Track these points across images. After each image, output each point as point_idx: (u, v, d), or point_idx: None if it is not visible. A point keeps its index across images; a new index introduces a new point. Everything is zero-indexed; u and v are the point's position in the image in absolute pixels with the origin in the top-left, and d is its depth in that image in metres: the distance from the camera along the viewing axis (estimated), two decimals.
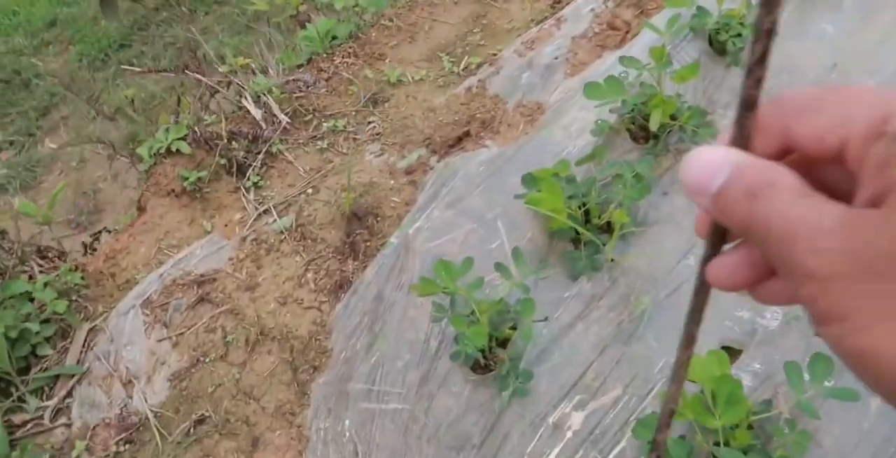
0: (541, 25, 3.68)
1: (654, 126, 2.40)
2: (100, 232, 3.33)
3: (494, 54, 3.65)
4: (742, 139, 0.40)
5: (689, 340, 0.48)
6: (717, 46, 2.87)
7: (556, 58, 3.32)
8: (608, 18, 3.58)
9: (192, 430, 2.19)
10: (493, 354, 2.01)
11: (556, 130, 2.79)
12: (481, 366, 2.04)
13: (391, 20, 4.06)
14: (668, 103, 2.48)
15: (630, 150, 2.63)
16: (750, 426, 1.77)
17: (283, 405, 2.23)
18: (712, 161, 0.39)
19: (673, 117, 2.58)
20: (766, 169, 0.38)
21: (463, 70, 3.67)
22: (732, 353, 2.02)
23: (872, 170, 0.36)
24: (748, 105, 0.39)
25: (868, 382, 0.35)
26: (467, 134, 3.09)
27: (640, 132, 2.70)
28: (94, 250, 3.10)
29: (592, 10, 3.64)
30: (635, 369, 1.98)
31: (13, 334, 2.17)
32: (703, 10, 2.79)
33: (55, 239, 3.04)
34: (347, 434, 2.07)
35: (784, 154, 0.42)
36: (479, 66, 3.62)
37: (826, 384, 1.69)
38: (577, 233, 2.27)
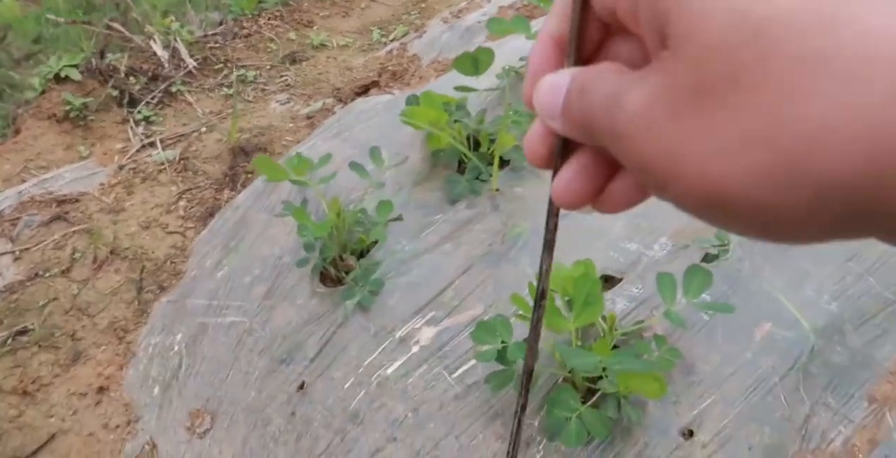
0: None
1: None
2: None
3: (423, 25, 3.49)
4: (577, 53, 0.41)
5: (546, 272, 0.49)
6: None
7: (479, 22, 3.16)
8: None
9: (8, 341, 1.89)
10: (343, 262, 1.76)
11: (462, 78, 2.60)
12: (332, 278, 1.79)
13: None
14: None
15: None
16: (616, 346, 1.53)
17: (118, 321, 1.95)
18: (555, 81, 0.40)
19: None
20: (595, 69, 0.38)
21: (390, 40, 3.50)
22: (612, 282, 1.80)
23: (645, 20, 0.34)
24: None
25: (728, 225, 0.34)
26: (375, 84, 2.90)
27: None
28: None
29: None
30: (501, 291, 1.74)
31: None
32: None
33: None
34: (176, 348, 1.79)
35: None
36: (405, 34, 3.46)
37: (701, 296, 1.47)
38: (462, 162, 2.06)
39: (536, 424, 1.43)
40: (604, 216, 1.93)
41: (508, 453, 0.82)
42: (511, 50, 2.51)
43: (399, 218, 1.81)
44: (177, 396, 1.70)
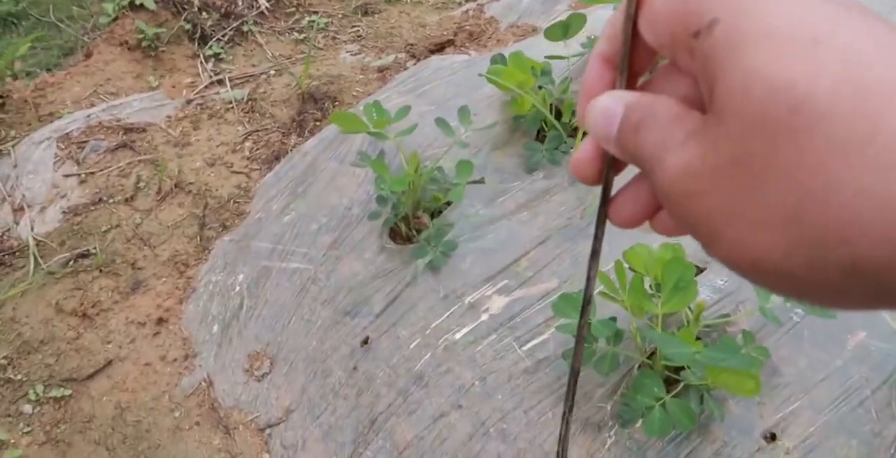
0: None
1: None
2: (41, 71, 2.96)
3: None
4: (629, 75, 0.40)
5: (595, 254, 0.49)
6: None
7: None
8: None
9: (70, 263, 1.84)
10: (417, 221, 1.69)
11: (544, 44, 2.49)
12: (402, 236, 1.72)
13: None
14: None
15: None
16: (699, 338, 1.45)
17: (179, 255, 1.89)
18: (608, 107, 0.39)
19: None
20: (649, 101, 0.37)
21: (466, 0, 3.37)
22: (695, 271, 1.71)
23: (698, 73, 0.34)
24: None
25: (770, 290, 0.34)
26: (451, 43, 2.79)
27: None
28: (15, 75, 2.72)
29: None
30: (577, 267, 1.66)
31: None
32: None
33: None
34: (238, 288, 1.73)
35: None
36: None
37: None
38: (543, 129, 1.97)
39: (609, 408, 1.36)
40: None
41: (558, 454, 0.78)
42: (597, 20, 2.39)
43: (481, 180, 1.73)
44: (236, 336, 1.65)
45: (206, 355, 1.63)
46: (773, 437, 1.28)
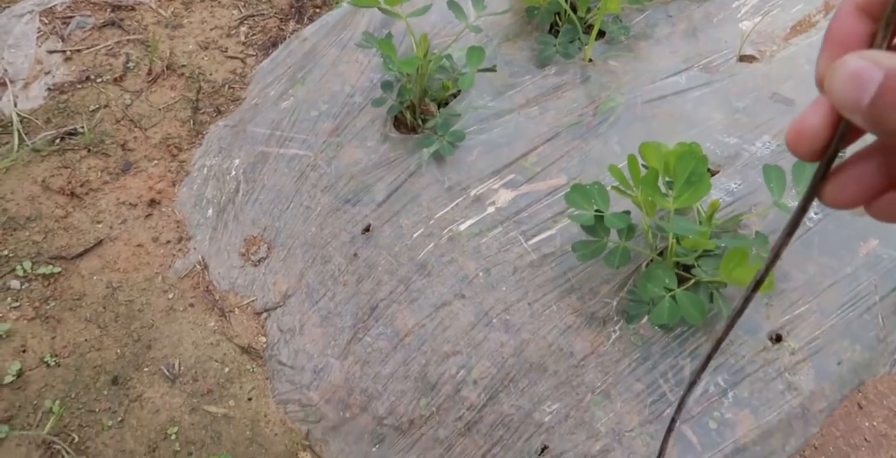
0: None
1: None
2: None
3: None
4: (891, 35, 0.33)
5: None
6: None
7: None
8: None
9: (59, 140, 1.75)
10: (422, 111, 1.60)
11: None
12: (406, 125, 1.64)
13: None
14: None
15: None
16: (712, 237, 1.40)
17: (171, 138, 1.80)
18: (861, 70, 0.33)
19: None
20: None
21: None
22: (709, 173, 1.65)
23: None
24: None
25: None
26: None
27: None
28: None
29: None
30: (586, 166, 1.60)
31: None
32: None
33: None
34: (233, 173, 1.66)
35: None
36: None
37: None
38: (556, 23, 1.86)
39: (615, 303, 1.33)
40: (702, 106, 1.77)
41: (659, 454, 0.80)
42: None
43: (492, 69, 1.64)
44: (232, 220, 1.59)
45: (200, 238, 1.57)
46: (778, 338, 1.26)
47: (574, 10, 1.91)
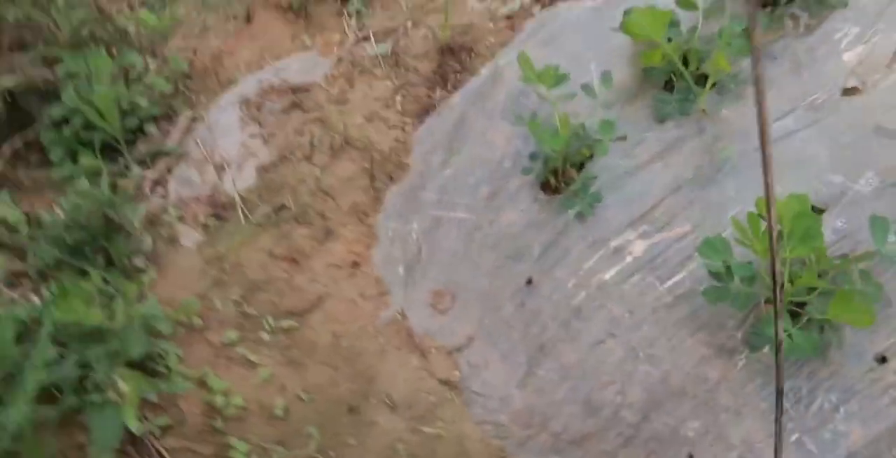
0: None
1: None
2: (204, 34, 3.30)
3: None
4: None
5: None
6: None
7: None
8: None
9: (273, 215, 2.24)
10: (564, 175, 1.96)
11: None
12: (551, 188, 2.00)
13: None
14: None
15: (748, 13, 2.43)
16: (820, 276, 1.69)
17: (358, 205, 2.25)
18: None
19: None
20: None
21: None
22: (817, 212, 1.91)
23: None
24: None
25: None
26: None
27: None
28: (196, 52, 3.07)
29: None
30: (707, 212, 1.91)
31: (125, 107, 2.23)
32: None
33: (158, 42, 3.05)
34: (414, 235, 2.08)
35: None
36: None
37: None
38: (671, 79, 2.16)
39: (739, 336, 1.64)
40: (809, 145, 2.01)
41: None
42: None
43: (623, 137, 1.96)
44: (420, 276, 2.02)
45: (396, 293, 2.01)
46: (883, 359, 1.54)
47: (686, 64, 2.20)
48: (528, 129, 1.91)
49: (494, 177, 2.09)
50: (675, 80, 2.15)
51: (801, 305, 1.59)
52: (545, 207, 1.97)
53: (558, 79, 1.88)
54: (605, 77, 1.95)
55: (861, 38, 2.31)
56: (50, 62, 2.50)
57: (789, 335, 1.50)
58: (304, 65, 2.72)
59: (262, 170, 2.39)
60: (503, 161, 2.12)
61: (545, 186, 2.02)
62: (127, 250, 1.97)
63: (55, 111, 2.25)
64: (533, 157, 1.99)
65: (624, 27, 2.07)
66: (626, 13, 2.16)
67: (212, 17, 3.09)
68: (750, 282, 1.59)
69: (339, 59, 2.76)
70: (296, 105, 2.57)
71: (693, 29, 2.17)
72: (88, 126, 2.25)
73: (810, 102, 2.12)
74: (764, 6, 2.46)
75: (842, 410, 1.49)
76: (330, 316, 2.00)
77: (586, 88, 1.91)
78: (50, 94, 2.32)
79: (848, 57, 2.28)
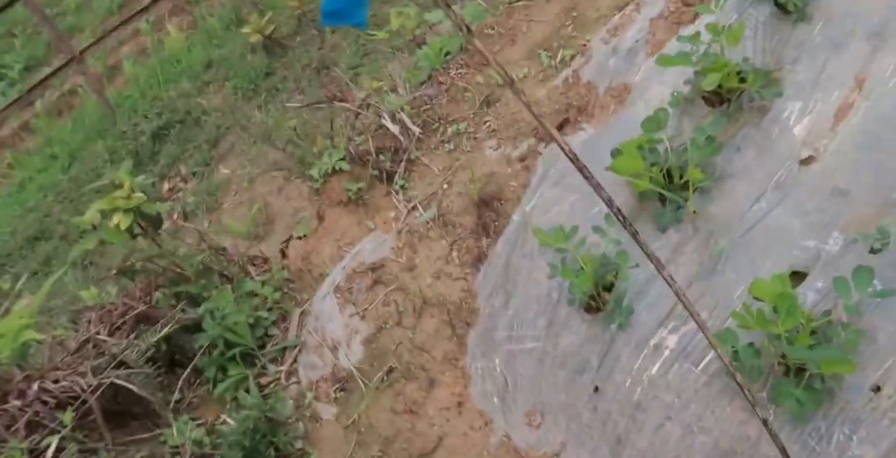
0: (622, 12, 4.01)
1: (708, 86, 2.74)
2: (289, 239, 4.05)
3: (584, 44, 4.04)
4: None
5: None
6: (780, 7, 3.02)
7: (637, 41, 3.67)
8: None
9: (385, 377, 2.82)
10: (600, 297, 2.49)
11: (640, 107, 3.18)
12: (592, 308, 2.53)
13: (493, 28, 4.53)
14: (727, 66, 2.78)
15: (706, 114, 2.97)
16: (813, 332, 2.13)
17: (448, 353, 2.82)
18: None
19: (742, 80, 2.86)
20: None
21: (559, 63, 4.08)
22: (800, 276, 2.37)
23: None
24: None
25: None
26: (567, 121, 3.54)
27: (714, 98, 3.02)
28: (285, 253, 3.81)
29: None
30: (716, 299, 2.39)
31: (251, 321, 2.90)
32: None
33: (252, 248, 3.79)
34: (498, 370, 2.62)
35: None
36: (573, 57, 4.02)
37: (869, 289, 2.04)
38: (661, 196, 2.69)
39: (766, 394, 2.09)
40: (782, 218, 2.48)
41: None
42: (676, 74, 3.05)
43: (636, 266, 2.48)
44: (511, 402, 2.54)
45: (497, 420, 2.53)
46: (878, 389, 1.96)
47: (671, 178, 2.73)
48: (561, 277, 2.47)
49: (547, 309, 2.63)
50: (665, 194, 2.67)
51: (804, 364, 2.04)
52: (592, 326, 2.49)
53: (567, 235, 2.44)
54: (608, 218, 2.49)
55: (804, 110, 2.81)
56: (179, 297, 3.23)
57: (797, 399, 1.95)
58: (373, 244, 3.38)
59: (367, 342, 3.00)
60: (550, 293, 2.67)
61: (588, 308, 2.55)
62: (289, 439, 2.57)
63: (202, 340, 2.94)
64: (572, 289, 2.53)
65: (613, 169, 2.63)
66: (613, 155, 2.73)
67: (294, 222, 3.84)
68: (757, 355, 2.06)
69: (399, 232, 3.41)
70: (377, 281, 3.21)
71: (671, 139, 2.70)
72: (229, 345, 2.92)
73: (775, 181, 2.61)
74: (721, 103, 3.01)
75: (854, 438, 1.91)
76: (451, 451, 2.53)
77: (599, 231, 2.47)
78: (192, 327, 3.03)
79: (798, 130, 2.78)
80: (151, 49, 7.89)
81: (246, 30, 6.33)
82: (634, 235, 1.38)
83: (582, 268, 2.46)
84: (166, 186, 6.28)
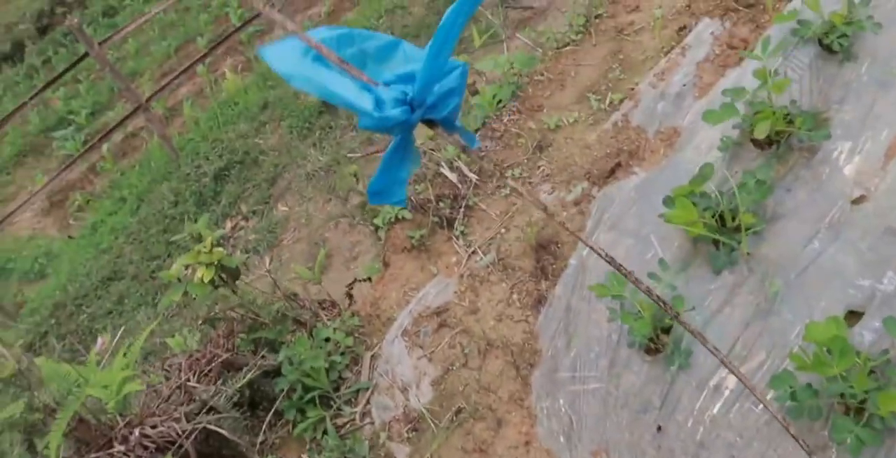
0: (668, 56, 4.18)
1: (759, 135, 2.87)
2: (353, 283, 4.27)
3: (632, 88, 4.20)
4: None
5: None
6: (826, 48, 3.12)
7: (685, 85, 3.82)
8: (726, 39, 4.02)
9: (454, 417, 2.98)
10: (659, 340, 2.61)
11: (690, 151, 3.32)
12: (652, 349, 2.65)
13: (542, 74, 4.73)
14: (776, 114, 2.91)
15: (755, 157, 3.10)
16: (871, 372, 2.22)
17: (514, 393, 2.96)
18: None
19: (790, 123, 2.98)
20: None
21: (608, 106, 4.25)
22: (857, 315, 2.46)
23: None
24: None
25: None
26: (619, 165, 3.69)
27: (763, 140, 3.14)
28: (351, 295, 4.02)
29: (712, 33, 4.07)
30: (774, 339, 2.50)
31: (326, 366, 3.10)
32: (805, 22, 3.08)
33: (320, 292, 4.01)
34: (563, 410, 2.75)
35: None
36: (621, 101, 4.19)
37: None
38: (716, 240, 2.81)
39: (826, 433, 2.18)
40: (836, 258, 2.58)
41: None
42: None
43: (692, 308, 2.61)
44: (577, 441, 2.67)
45: None
46: None
47: (723, 222, 2.85)
48: (621, 321, 2.61)
49: (608, 350, 2.77)
50: (719, 237, 2.79)
51: (864, 402, 2.13)
52: (653, 366, 2.61)
53: (622, 284, 2.58)
54: (662, 263, 2.63)
55: (854, 150, 2.91)
56: (257, 343, 3.46)
57: (856, 436, 2.05)
58: (437, 289, 3.57)
59: (435, 383, 3.16)
60: (611, 335, 2.81)
61: (648, 350, 2.67)
62: None
63: (282, 384, 3.15)
64: (632, 331, 2.66)
65: (667, 220, 2.77)
66: (665, 203, 2.86)
67: (351, 257, 4.05)
68: (815, 396, 2.16)
69: (461, 276, 3.59)
70: (442, 324, 3.38)
71: (722, 182, 2.83)
72: (307, 388, 3.12)
73: (828, 221, 2.71)
74: (770, 145, 3.12)
75: None
76: None
77: (654, 277, 2.60)
78: (272, 372, 3.24)
79: (848, 170, 2.88)
80: (209, 91, 8.31)
81: None
82: (676, 317, 1.51)
83: (640, 312, 2.60)
84: (229, 224, 6.61)
